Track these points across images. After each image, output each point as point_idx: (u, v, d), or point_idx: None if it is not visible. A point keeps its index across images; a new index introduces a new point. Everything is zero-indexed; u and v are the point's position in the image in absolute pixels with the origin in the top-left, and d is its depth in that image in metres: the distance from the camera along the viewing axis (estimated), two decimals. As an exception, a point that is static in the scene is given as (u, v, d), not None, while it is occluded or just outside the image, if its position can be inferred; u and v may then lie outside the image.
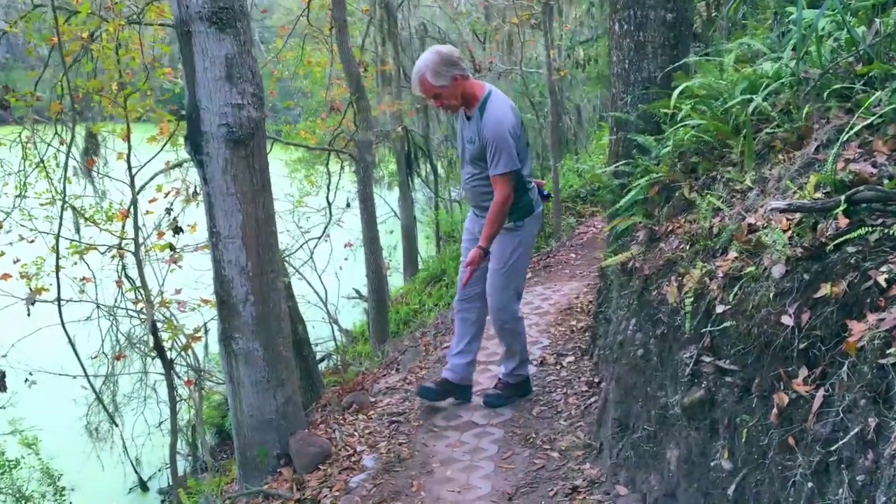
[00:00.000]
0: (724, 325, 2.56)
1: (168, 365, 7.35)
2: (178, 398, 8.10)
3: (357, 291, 15.79)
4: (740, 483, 2.38)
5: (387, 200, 18.85)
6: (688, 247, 3.19)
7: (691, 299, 2.80)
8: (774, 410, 2.23)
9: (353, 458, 4.23)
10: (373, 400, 5.04)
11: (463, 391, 4.72)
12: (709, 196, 3.13)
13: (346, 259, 15.70)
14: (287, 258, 12.04)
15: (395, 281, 16.82)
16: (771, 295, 2.38)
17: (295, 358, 8.80)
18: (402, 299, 14.95)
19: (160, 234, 7.74)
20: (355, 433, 4.54)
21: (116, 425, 8.82)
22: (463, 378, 4.67)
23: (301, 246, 12.55)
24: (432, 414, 4.64)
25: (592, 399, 4.35)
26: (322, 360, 14.61)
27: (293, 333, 8.65)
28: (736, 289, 2.57)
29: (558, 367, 5.09)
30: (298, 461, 4.31)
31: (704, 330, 2.69)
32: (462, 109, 4.28)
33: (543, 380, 4.93)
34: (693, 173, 3.76)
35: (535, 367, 5.17)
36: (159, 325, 7.86)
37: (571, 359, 5.17)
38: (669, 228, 3.55)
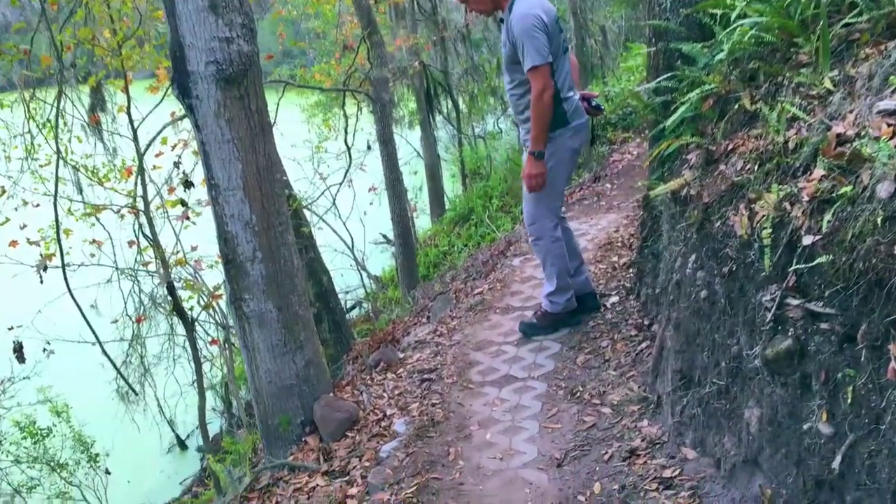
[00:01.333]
0: (816, 260, 2.08)
1: (190, 325, 7.02)
2: (203, 359, 7.82)
3: (384, 236, 15.42)
4: (847, 453, 1.94)
5: (409, 140, 18.30)
6: (756, 167, 2.70)
7: (769, 230, 2.32)
8: (892, 364, 1.78)
9: (382, 424, 3.86)
10: (401, 356, 4.65)
11: (580, 300, 4.52)
12: (781, 104, 2.63)
13: (371, 203, 15.31)
14: (309, 206, 11.67)
15: (423, 223, 16.39)
16: (878, 220, 1.90)
17: (322, 310, 8.49)
18: (430, 241, 14.57)
19: (171, 190, 7.35)
20: (384, 394, 4.17)
21: (136, 394, 8.59)
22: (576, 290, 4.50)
23: (322, 193, 12.12)
24: (466, 369, 4.24)
25: (643, 345, 3.92)
26: (353, 307, 14.34)
27: (318, 285, 8.30)
28: (828, 215, 2.09)
29: (602, 308, 4.64)
30: (324, 428, 3.95)
31: (790, 268, 2.22)
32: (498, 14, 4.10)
33: (586, 324, 4.49)
34: (752, 81, 3.24)
35: (576, 311, 4.74)
36: (179, 284, 7.54)
37: (616, 299, 4.72)
38: (729, 147, 3.05)
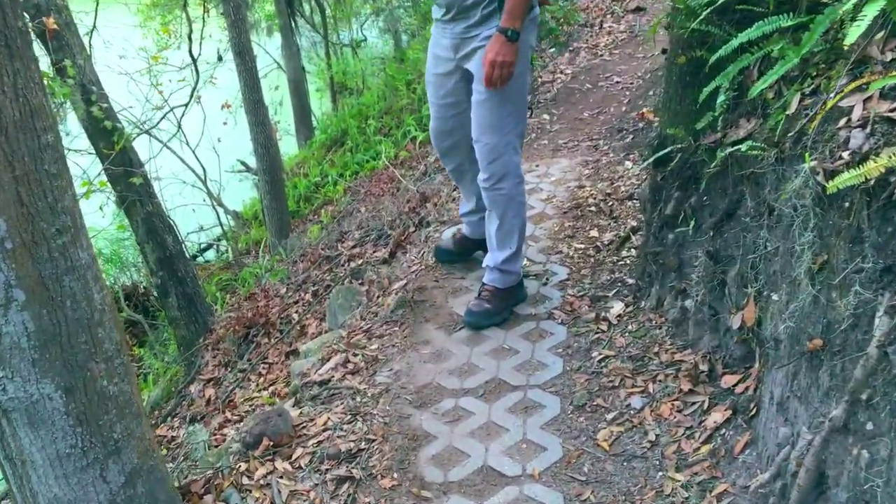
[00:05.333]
0: None
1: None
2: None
3: (243, 163, 13.20)
4: None
5: (267, 50, 15.85)
6: None
7: None
8: None
9: (277, 592, 2.13)
10: (295, 414, 2.87)
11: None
12: None
13: (224, 123, 13.06)
14: (148, 132, 9.50)
15: (288, 146, 14.19)
16: None
17: (167, 280, 6.48)
18: (298, 170, 12.52)
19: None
20: (275, 513, 2.42)
21: None
22: (483, 234, 3.42)
23: (164, 116, 9.85)
24: (411, 452, 2.54)
25: (717, 416, 2.33)
26: (207, 248, 12.28)
27: (160, 248, 6.26)
28: None
29: (604, 323, 3.04)
30: None
31: None
32: None
33: (588, 353, 2.88)
34: None
35: (561, 325, 3.11)
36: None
37: (619, 307, 3.12)
38: None
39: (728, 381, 2.41)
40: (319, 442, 2.67)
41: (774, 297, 2.07)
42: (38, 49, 5.93)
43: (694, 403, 2.43)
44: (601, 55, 6.52)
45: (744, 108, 2.66)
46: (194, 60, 9.53)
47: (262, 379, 4.98)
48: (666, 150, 2.93)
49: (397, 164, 10.09)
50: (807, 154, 1.86)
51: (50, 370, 2.03)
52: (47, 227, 1.96)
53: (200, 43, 9.85)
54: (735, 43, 2.39)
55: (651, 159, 2.96)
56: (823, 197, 1.83)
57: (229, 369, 5.67)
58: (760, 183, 2.29)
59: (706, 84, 2.86)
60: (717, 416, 2.32)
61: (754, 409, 2.20)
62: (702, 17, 2.58)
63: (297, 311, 5.41)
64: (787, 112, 2.24)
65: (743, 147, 2.28)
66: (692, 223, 2.78)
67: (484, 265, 3.29)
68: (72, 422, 2.10)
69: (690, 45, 2.84)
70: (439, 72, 3.17)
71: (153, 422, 6.00)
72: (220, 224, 11.72)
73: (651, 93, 5.40)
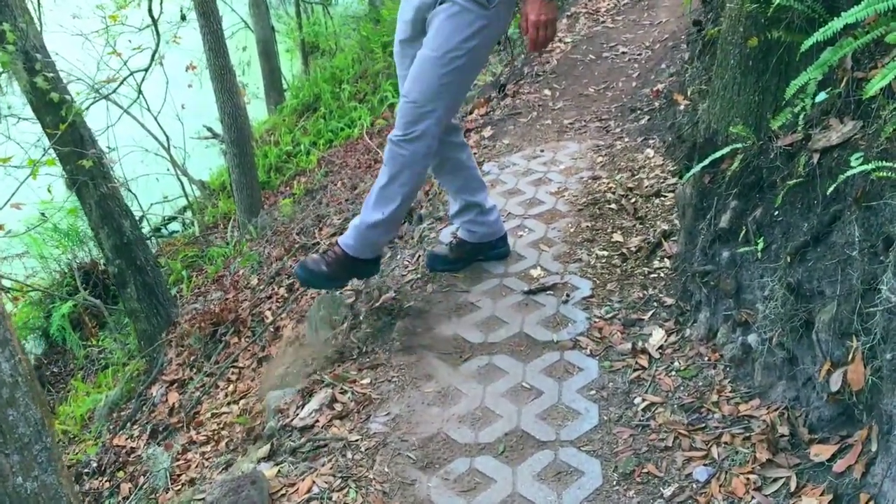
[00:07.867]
0: None
1: None
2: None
3: (209, 129, 12.45)
4: None
5: (233, 7, 15.00)
6: None
7: None
8: None
9: None
10: (273, 480, 2.35)
11: (492, 246, 3.27)
12: None
13: (189, 86, 12.30)
14: (108, 97, 8.86)
15: (257, 111, 13.41)
16: None
17: (125, 269, 5.86)
18: (268, 137, 11.83)
19: None
20: None
21: None
22: (483, 235, 3.23)
23: (123, 81, 9.14)
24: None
25: (807, 501, 1.84)
26: (171, 220, 11.63)
27: (117, 234, 5.65)
28: None
29: (643, 357, 2.54)
30: None
31: None
32: None
33: (628, 398, 2.39)
34: None
35: (590, 358, 2.61)
36: None
37: (659, 335, 2.63)
38: None
39: (819, 452, 1.93)
40: (304, 518, 2.15)
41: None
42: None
43: (776, 480, 1.95)
44: (603, 22, 5.96)
45: (829, 104, 2.16)
46: (154, 21, 8.80)
47: (231, 387, 4.46)
48: (725, 151, 2.41)
49: (374, 134, 9.49)
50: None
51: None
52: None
53: (161, 1, 9.10)
54: (838, 24, 1.87)
55: (706, 161, 2.43)
56: None
57: (195, 370, 5.13)
58: (875, 208, 1.79)
59: (777, 71, 2.36)
60: (810, 503, 1.84)
61: (868, 504, 1.72)
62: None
63: (270, 309, 4.88)
64: (912, 118, 1.73)
65: (854, 164, 1.77)
66: (759, 243, 2.28)
67: (354, 220, 2.94)
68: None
69: (758, 24, 2.31)
70: (404, 38, 2.84)
71: (112, 426, 5.46)
72: (185, 195, 11.08)
73: (663, 66, 4.86)
